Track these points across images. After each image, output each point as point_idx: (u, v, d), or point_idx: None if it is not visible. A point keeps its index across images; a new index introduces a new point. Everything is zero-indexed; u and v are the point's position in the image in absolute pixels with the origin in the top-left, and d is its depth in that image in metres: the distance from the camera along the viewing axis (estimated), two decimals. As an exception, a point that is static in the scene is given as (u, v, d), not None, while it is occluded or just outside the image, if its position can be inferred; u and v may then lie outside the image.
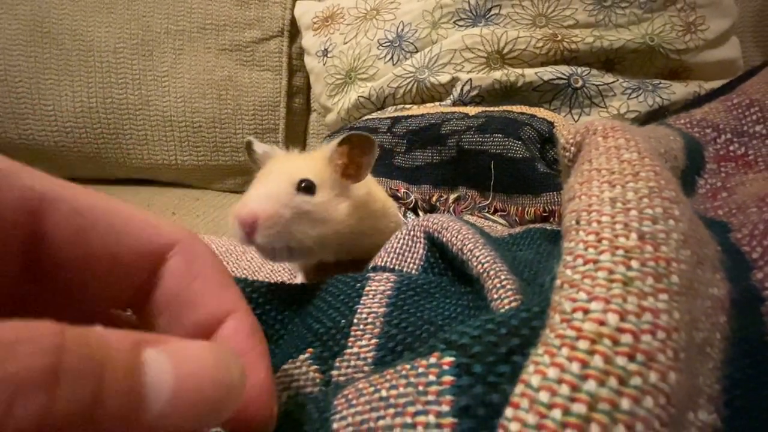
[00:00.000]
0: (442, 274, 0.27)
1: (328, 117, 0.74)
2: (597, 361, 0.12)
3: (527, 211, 0.40)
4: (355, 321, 0.22)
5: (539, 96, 0.54)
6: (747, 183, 0.25)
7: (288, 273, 0.37)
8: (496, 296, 0.22)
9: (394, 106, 0.62)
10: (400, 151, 0.52)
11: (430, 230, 0.28)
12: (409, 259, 0.28)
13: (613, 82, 0.53)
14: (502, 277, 0.23)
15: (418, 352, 0.17)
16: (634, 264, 0.14)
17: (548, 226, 0.36)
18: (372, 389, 0.16)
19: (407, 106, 0.60)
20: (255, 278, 0.34)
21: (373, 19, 0.66)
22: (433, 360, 0.16)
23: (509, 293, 0.22)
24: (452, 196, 0.46)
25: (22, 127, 0.79)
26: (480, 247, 0.25)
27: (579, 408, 0.11)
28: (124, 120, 0.79)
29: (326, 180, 0.26)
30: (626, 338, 0.12)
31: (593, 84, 0.53)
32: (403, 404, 0.15)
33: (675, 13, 0.55)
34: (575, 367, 0.12)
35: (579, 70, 0.54)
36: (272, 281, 0.27)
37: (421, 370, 0.16)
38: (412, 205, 0.48)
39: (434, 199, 0.48)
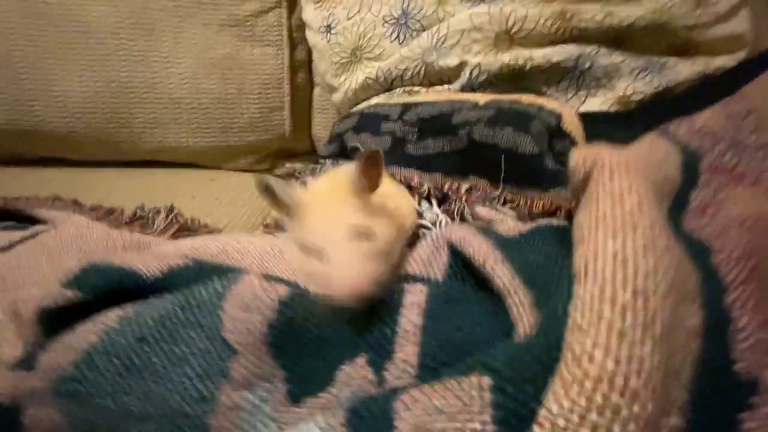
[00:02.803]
0: (465, 279, 0.31)
1: (335, 96, 0.74)
2: (598, 397, 0.16)
3: (536, 204, 0.43)
4: (399, 331, 0.26)
5: (546, 78, 0.55)
6: (734, 198, 0.28)
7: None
8: (516, 314, 0.26)
9: (402, 88, 0.62)
10: (412, 140, 0.54)
11: (454, 243, 0.31)
12: (435, 267, 0.32)
13: (621, 61, 0.53)
14: (520, 293, 0.27)
15: (460, 368, 0.21)
16: (629, 317, 0.17)
17: (555, 222, 0.39)
18: (426, 398, 0.21)
19: (416, 88, 0.61)
20: (294, 278, 0.37)
21: (377, -7, 0.65)
22: (474, 380, 0.20)
23: (527, 310, 0.26)
24: (464, 187, 0.49)
25: (31, 114, 0.80)
26: (500, 264, 0.29)
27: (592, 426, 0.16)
28: (133, 103, 0.80)
29: (366, 211, 0.28)
30: (619, 380, 0.16)
31: (600, 65, 0.53)
32: (454, 413, 0.19)
33: (687, -15, 0.53)
34: (583, 401, 0.16)
35: (587, 49, 0.54)
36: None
37: (465, 387, 0.20)
38: (426, 194, 0.51)
39: (446, 187, 0.51)
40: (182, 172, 0.86)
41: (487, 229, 0.34)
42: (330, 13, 0.70)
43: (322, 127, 0.87)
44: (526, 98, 0.48)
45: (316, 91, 0.86)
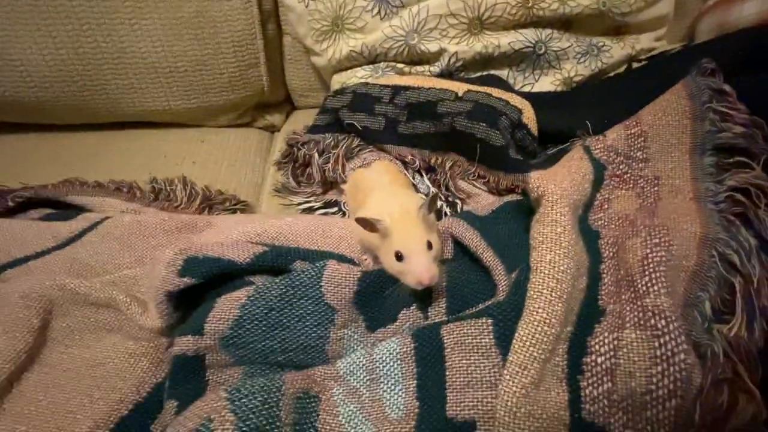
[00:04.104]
0: (464, 257, 0.48)
1: (317, 60, 0.78)
2: (540, 327, 0.35)
3: (501, 182, 0.58)
4: (434, 288, 0.43)
5: (510, 61, 0.65)
6: (618, 197, 0.44)
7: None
8: (497, 279, 0.43)
9: (386, 62, 0.69)
10: (403, 120, 0.64)
11: (455, 235, 0.47)
12: (446, 251, 0.49)
13: (568, 47, 0.64)
14: (499, 267, 0.44)
15: (475, 312, 0.39)
16: (553, 294, 0.35)
17: (516, 198, 0.55)
18: (459, 328, 0.39)
19: (399, 65, 0.68)
20: (341, 248, 0.51)
21: (354, -39, 0.66)
22: (483, 320, 0.38)
23: (503, 278, 0.43)
24: (448, 163, 0.62)
25: (-7, 86, 0.76)
26: (485, 248, 0.45)
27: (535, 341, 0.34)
28: (105, 70, 0.78)
29: (428, 228, 0.42)
30: (549, 320, 0.35)
31: (552, 50, 0.64)
32: (475, 335, 0.38)
33: (626, -26, 0.62)
34: (534, 329, 0.35)
35: (543, 34, 0.63)
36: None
37: (479, 324, 0.38)
38: (417, 168, 0.64)
39: (433, 161, 0.64)
40: (168, 134, 0.88)
41: (472, 218, 0.50)
42: (306, -25, 0.70)
43: (295, 76, 0.90)
44: (497, 93, 0.60)
45: (287, 40, 0.86)
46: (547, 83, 0.67)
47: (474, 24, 0.64)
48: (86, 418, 0.42)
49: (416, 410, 0.37)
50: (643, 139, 0.47)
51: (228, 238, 0.52)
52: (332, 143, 0.68)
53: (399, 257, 0.41)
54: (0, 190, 0.64)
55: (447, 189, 0.62)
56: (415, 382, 0.39)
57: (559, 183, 0.42)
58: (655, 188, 0.44)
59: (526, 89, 0.68)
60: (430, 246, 0.41)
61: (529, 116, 0.59)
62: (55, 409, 0.43)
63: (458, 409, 0.36)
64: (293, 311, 0.42)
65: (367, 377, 0.40)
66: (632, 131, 0.48)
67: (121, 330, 0.49)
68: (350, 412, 0.39)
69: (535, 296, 0.36)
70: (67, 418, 0.42)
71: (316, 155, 0.67)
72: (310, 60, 0.82)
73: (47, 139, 0.85)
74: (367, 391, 0.40)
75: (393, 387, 0.39)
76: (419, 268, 0.40)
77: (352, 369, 0.41)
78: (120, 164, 0.78)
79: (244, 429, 0.34)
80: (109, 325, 0.49)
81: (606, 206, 0.45)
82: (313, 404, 0.39)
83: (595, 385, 0.33)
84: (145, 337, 0.47)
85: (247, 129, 0.93)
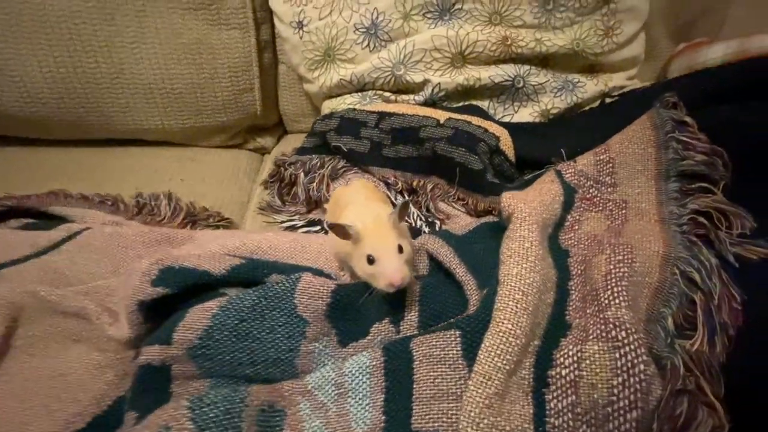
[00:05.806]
0: (438, 273, 0.48)
1: (309, 87, 0.82)
2: (506, 339, 0.35)
3: (479, 204, 0.60)
4: (407, 302, 0.43)
5: (490, 93, 0.68)
6: (588, 219, 0.46)
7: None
8: (469, 294, 0.44)
9: (373, 90, 0.73)
10: (387, 144, 0.67)
11: (429, 251, 0.48)
12: (421, 266, 0.49)
13: (546, 82, 0.69)
14: (471, 283, 0.44)
15: (444, 325, 0.39)
16: (519, 306, 0.36)
17: (491, 219, 0.56)
18: (428, 341, 0.39)
19: (386, 93, 0.71)
20: (319, 263, 0.51)
21: (347, -2, 0.71)
22: (452, 332, 0.38)
23: (474, 293, 0.44)
24: (429, 186, 0.64)
25: (-11, 98, 0.78)
26: (457, 264, 0.46)
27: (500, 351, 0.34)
28: (102, 89, 0.80)
29: (399, 234, 0.43)
30: (513, 331, 0.35)
31: (530, 84, 0.68)
32: (443, 346, 0.38)
33: (600, 18, 0.68)
34: (499, 340, 0.35)
35: (522, 70, 0.68)
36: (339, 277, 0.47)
37: (448, 335, 0.38)
38: (400, 189, 0.66)
39: (415, 184, 0.66)
40: (159, 151, 0.90)
41: (448, 236, 0.51)
42: (301, 9, 0.75)
43: (288, 102, 0.94)
44: (476, 121, 0.63)
45: (282, 68, 0.90)
46: (525, 114, 0.71)
47: (457, 58, 0.68)
48: (38, 431, 0.40)
49: (382, 424, 0.36)
50: (611, 165, 0.49)
51: (207, 251, 0.52)
52: (318, 164, 0.69)
53: (370, 261, 0.41)
54: (-17, 200, 0.64)
55: (428, 210, 0.63)
56: (383, 396, 0.38)
57: (528, 203, 0.44)
58: (623, 211, 0.46)
59: (506, 119, 0.71)
60: (401, 250, 0.42)
61: (506, 143, 0.62)
62: (9, 419, 0.41)
63: (423, 421, 0.35)
64: (264, 322, 0.42)
65: (335, 391, 0.40)
66: (601, 158, 0.50)
67: (88, 340, 0.48)
68: (315, 428, 0.38)
69: (501, 308, 0.37)
70: (19, 428, 0.41)
71: (302, 174, 0.69)
72: (303, 87, 0.85)
73: (42, 153, 0.86)
74: (334, 405, 0.39)
75: (360, 401, 0.39)
76: (389, 270, 0.40)
77: (320, 383, 0.40)
78: (110, 179, 0.79)
79: (202, 438, 0.33)
80: (76, 335, 0.48)
81: (576, 227, 0.46)
82: (278, 418, 0.38)
83: (560, 398, 0.33)
84: (112, 348, 0.46)
85: (238, 150, 0.95)
